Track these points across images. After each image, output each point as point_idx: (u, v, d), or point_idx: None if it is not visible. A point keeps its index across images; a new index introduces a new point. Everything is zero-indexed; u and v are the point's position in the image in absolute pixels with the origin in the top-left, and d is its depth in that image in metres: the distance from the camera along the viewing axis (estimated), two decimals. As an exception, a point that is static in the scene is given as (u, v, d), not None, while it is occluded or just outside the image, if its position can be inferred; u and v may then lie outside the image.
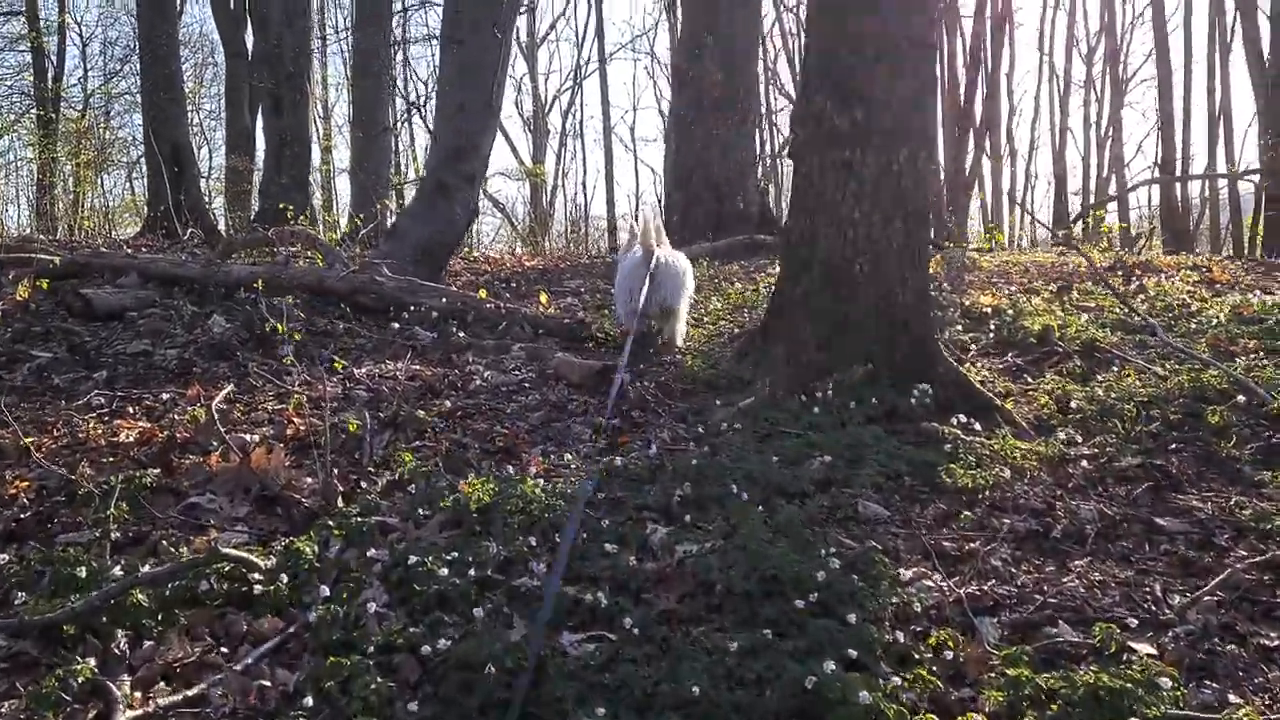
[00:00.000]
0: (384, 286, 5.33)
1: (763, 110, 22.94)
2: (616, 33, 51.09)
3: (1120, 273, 7.12)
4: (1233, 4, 21.63)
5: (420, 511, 3.02)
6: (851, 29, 4.21)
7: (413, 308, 5.20)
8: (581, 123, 57.12)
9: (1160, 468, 3.38)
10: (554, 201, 38.70)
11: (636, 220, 5.39)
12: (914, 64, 4.22)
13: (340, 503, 3.14)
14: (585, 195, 43.55)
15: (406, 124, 35.42)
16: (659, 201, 35.42)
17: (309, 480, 3.31)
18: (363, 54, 21.15)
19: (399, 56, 32.85)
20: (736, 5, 12.42)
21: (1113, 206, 24.99)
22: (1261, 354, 4.53)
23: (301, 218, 9.75)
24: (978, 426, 3.73)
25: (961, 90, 25.91)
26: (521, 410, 4.07)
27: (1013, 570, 2.83)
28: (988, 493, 3.25)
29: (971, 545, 2.95)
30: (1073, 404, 3.98)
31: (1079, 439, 3.64)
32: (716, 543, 2.88)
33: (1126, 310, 5.36)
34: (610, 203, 33.98)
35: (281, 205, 10.15)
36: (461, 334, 5.01)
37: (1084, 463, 3.46)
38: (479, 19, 6.65)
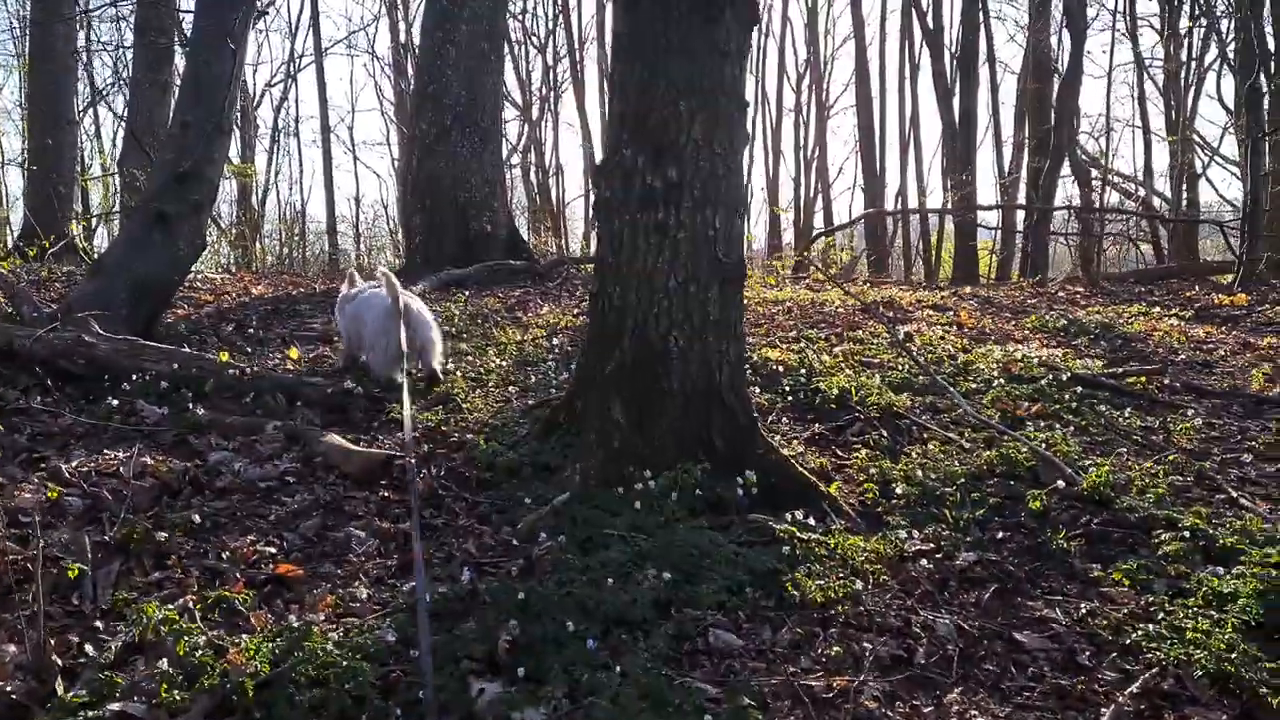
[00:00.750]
0: (96, 349, 4.35)
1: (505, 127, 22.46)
2: (333, 26, 48.57)
3: (882, 314, 7.25)
4: (920, 40, 23.71)
5: (175, 694, 2.31)
6: (665, 79, 3.84)
7: (135, 375, 4.26)
8: (297, 120, 54.02)
9: (998, 565, 3.25)
10: (265, 202, 36.20)
11: (365, 274, 5.64)
12: (730, 118, 3.91)
13: (59, 684, 2.36)
14: (302, 196, 41.15)
15: (93, 112, 31.88)
16: (394, 225, 33.92)
17: (10, 649, 2.48)
18: (42, 32, 18.67)
19: (84, 37, 29.49)
20: (479, 15, 11.85)
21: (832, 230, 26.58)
22: (1045, 419, 4.61)
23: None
24: (810, 520, 3.46)
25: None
26: (290, 517, 3.36)
27: (888, 713, 2.54)
28: (840, 608, 2.97)
29: (839, 681, 2.64)
30: (895, 487, 3.81)
31: (912, 532, 3.45)
32: (561, 706, 2.40)
33: (912, 364, 5.37)
34: (330, 205, 32.14)
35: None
36: (200, 409, 4.16)
37: (923, 561, 3.26)
38: (208, 25, 5.72)
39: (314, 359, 5.65)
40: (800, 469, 3.87)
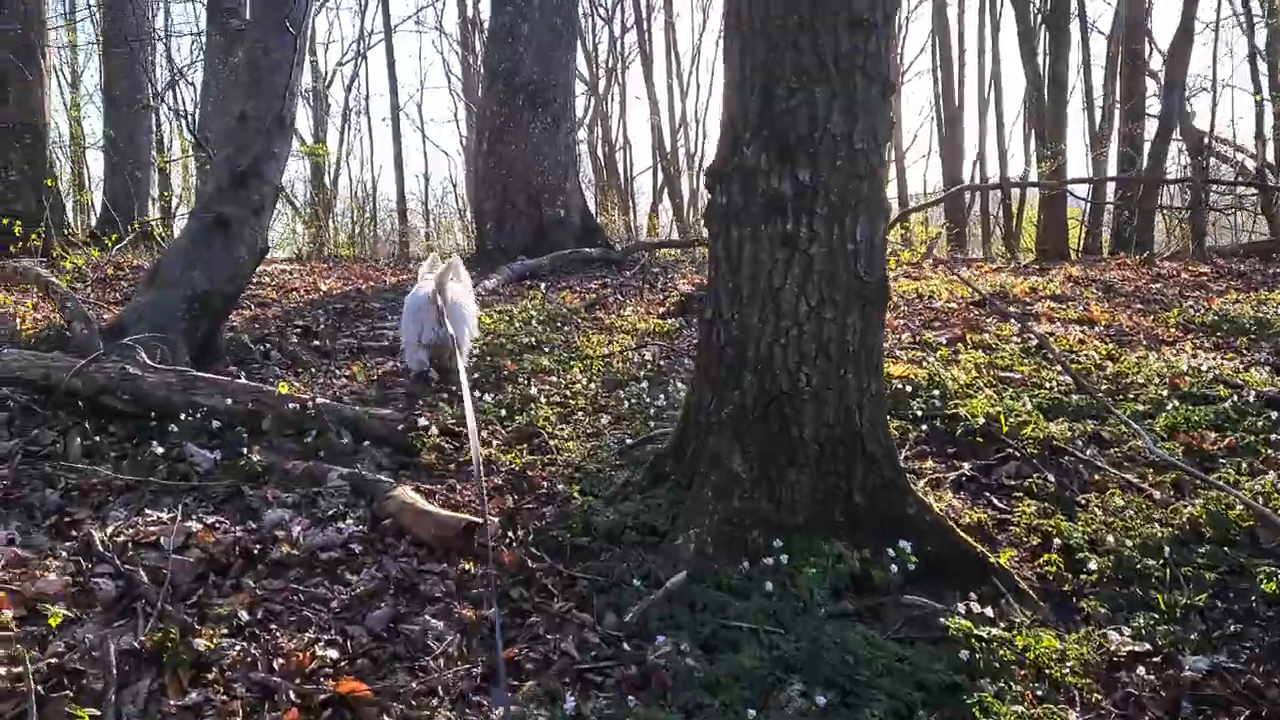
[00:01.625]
0: (142, 383, 3.82)
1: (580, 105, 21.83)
2: (402, 3, 48.16)
3: (1008, 312, 6.46)
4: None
5: None
6: (793, 58, 3.14)
7: (185, 413, 3.73)
8: (367, 99, 54.03)
9: (1242, 678, 2.53)
10: (338, 181, 36.18)
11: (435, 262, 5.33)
12: (873, 105, 3.21)
13: None
14: (372, 174, 41.04)
15: (171, 94, 31.97)
16: (463, 205, 33.66)
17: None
18: (115, 15, 18.47)
19: (160, 19, 29.57)
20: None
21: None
22: (1239, 456, 3.83)
23: (33, 236, 7.78)
24: (986, 610, 2.77)
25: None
26: (356, 603, 2.78)
27: None
28: (1046, 743, 2.29)
29: None
30: (1082, 557, 3.10)
31: (1120, 627, 2.74)
32: None
33: (1059, 377, 4.62)
34: (400, 183, 31.91)
35: (3, 219, 8.09)
36: (256, 451, 3.61)
37: (1140, 669, 2.56)
38: (266, 8, 5.15)
39: (384, 375, 5.09)
40: (961, 533, 3.17)
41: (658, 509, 3.26)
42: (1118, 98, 20.84)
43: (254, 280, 9.14)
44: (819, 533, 3.12)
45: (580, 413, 4.37)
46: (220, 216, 5.09)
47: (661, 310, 7.08)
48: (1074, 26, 21.60)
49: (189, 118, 14.23)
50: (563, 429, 4.15)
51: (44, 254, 9.39)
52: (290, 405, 3.80)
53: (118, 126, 19.25)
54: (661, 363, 5.25)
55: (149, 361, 3.93)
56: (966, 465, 3.87)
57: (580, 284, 9.23)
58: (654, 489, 3.40)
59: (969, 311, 6.88)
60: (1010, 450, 3.94)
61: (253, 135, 5.16)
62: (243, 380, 4.00)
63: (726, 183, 3.29)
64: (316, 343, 5.97)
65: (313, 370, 5.20)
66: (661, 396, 4.54)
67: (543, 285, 8.99)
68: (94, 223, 18.59)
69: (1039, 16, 20.90)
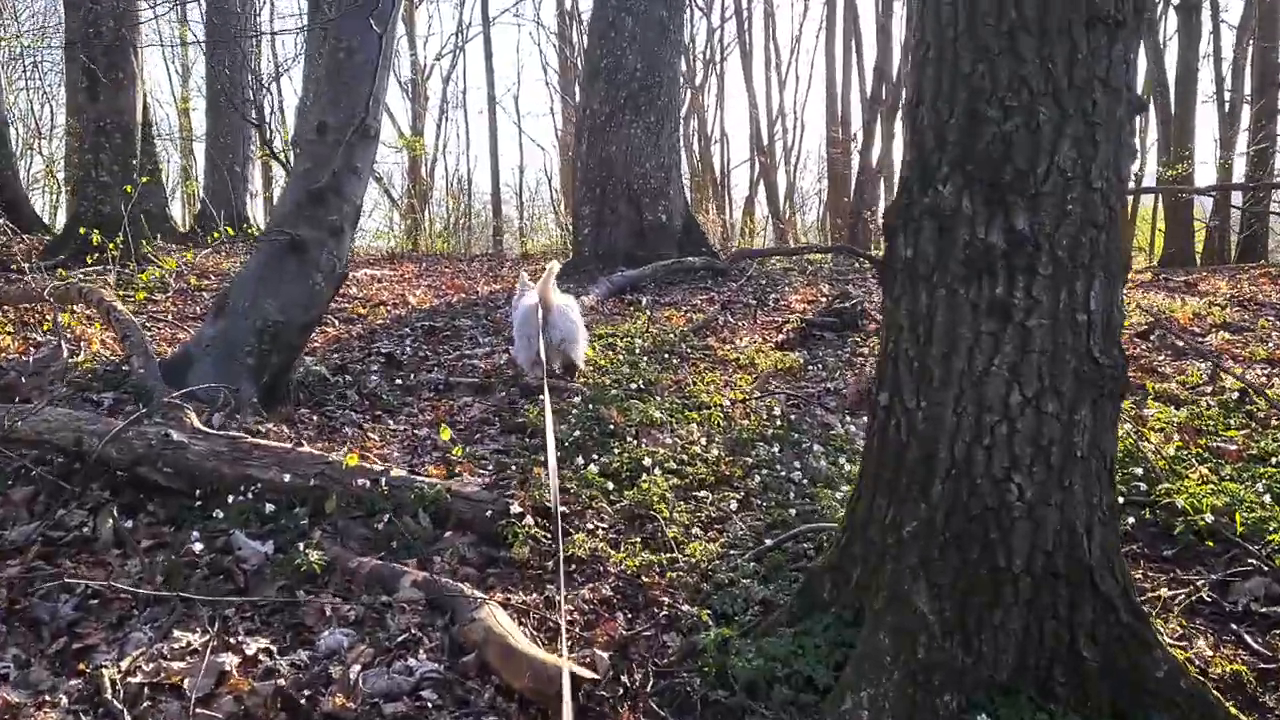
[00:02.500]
0: (187, 452, 3.22)
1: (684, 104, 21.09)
2: (500, -3, 47.89)
3: (1198, 351, 5.51)
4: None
5: None
6: (1014, 68, 2.35)
7: (236, 492, 3.12)
8: (465, 92, 54.29)
9: None
10: (434, 173, 36.18)
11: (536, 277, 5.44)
12: (1117, 130, 2.39)
13: None
14: (468, 166, 40.99)
15: (274, 92, 32.28)
16: (558, 199, 33.36)
17: None
18: (219, 14, 18.35)
19: (264, 15, 29.76)
20: (660, -23, 10.43)
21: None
22: None
23: (111, 245, 7.36)
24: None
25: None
26: (425, 791, 2.10)
27: None
28: None
29: None
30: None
31: None
32: None
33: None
34: (495, 177, 31.72)
35: (83, 230, 7.68)
36: (316, 543, 2.97)
37: None
38: (349, 5, 4.53)
39: (471, 423, 4.43)
40: (1228, 707, 2.35)
41: (815, 651, 2.50)
42: (1246, 95, 19.23)
43: (345, 285, 8.66)
44: (1032, 697, 2.33)
45: (702, 488, 3.63)
46: (295, 239, 4.49)
47: (779, 338, 6.30)
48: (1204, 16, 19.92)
49: (266, 125, 13.86)
50: (682, 511, 3.41)
51: (129, 259, 9.05)
52: (359, 481, 3.15)
53: (217, 121, 19.24)
54: (791, 415, 4.47)
55: (197, 424, 3.33)
56: (1190, 574, 3.02)
57: (685, 299, 8.49)
58: (807, 620, 2.63)
59: (1133, 345, 5.94)
60: (1249, 559, 3.07)
61: (332, 148, 4.55)
62: (305, 449, 3.36)
63: (913, 229, 2.50)
64: (399, 375, 5.35)
65: (393, 415, 4.58)
66: (797, 466, 3.77)
67: (644, 300, 8.28)
68: (194, 218, 18.60)
69: (1167, 4, 19.37)
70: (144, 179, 17.59)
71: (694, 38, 29.39)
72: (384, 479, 3.19)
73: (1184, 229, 17.51)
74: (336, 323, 7.08)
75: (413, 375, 5.38)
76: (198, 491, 3.16)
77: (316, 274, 4.57)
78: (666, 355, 5.84)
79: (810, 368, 5.46)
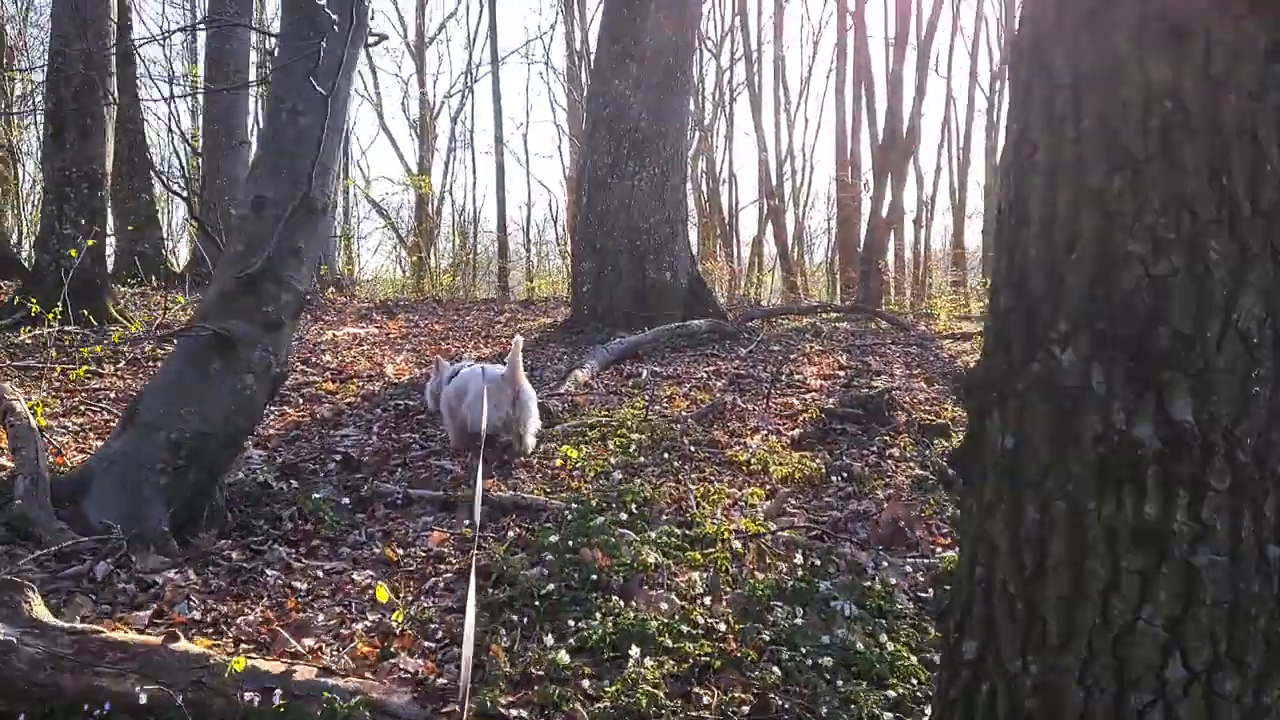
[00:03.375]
0: (16, 658, 2.36)
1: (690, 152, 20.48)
2: (510, 36, 47.66)
3: None
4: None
5: None
6: (1173, 185, 1.58)
7: (75, 717, 2.30)
8: (472, 131, 53.91)
9: None
10: (440, 211, 35.70)
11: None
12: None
13: None
14: (474, 206, 40.56)
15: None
16: (562, 239, 32.70)
17: None
18: (215, 54, 17.78)
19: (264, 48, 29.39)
20: (667, 19, 9.74)
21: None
22: None
23: (50, 315, 6.61)
24: None
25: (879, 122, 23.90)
26: None
27: None
28: None
29: None
30: None
31: None
32: None
33: None
34: (501, 215, 31.24)
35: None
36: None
37: None
38: (293, 65, 3.79)
39: (424, 563, 3.62)
40: None
41: None
42: None
43: (312, 355, 7.89)
44: None
45: (705, 678, 2.81)
46: (221, 335, 3.72)
47: (795, 432, 5.49)
48: None
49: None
50: (679, 713, 2.60)
51: (91, 320, 8.31)
52: (247, 696, 2.35)
53: (212, 164, 18.63)
54: (814, 555, 3.66)
55: (38, 611, 2.51)
56: None
57: (689, 369, 7.70)
58: None
59: None
60: None
61: (269, 226, 3.79)
62: (180, 645, 2.53)
63: (1014, 409, 1.72)
64: (355, 482, 4.56)
65: (333, 545, 3.78)
66: (825, 641, 2.95)
67: (644, 372, 7.49)
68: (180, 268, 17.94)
69: None
70: (132, 226, 16.93)
71: (703, 78, 28.90)
72: (281, 688, 2.38)
73: None
74: (300, 401, 6.30)
75: (370, 481, 4.59)
76: (21, 717, 2.35)
77: (247, 376, 3.79)
78: (666, 454, 5.04)
79: (834, 478, 4.65)
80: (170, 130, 22.59)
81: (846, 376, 7.52)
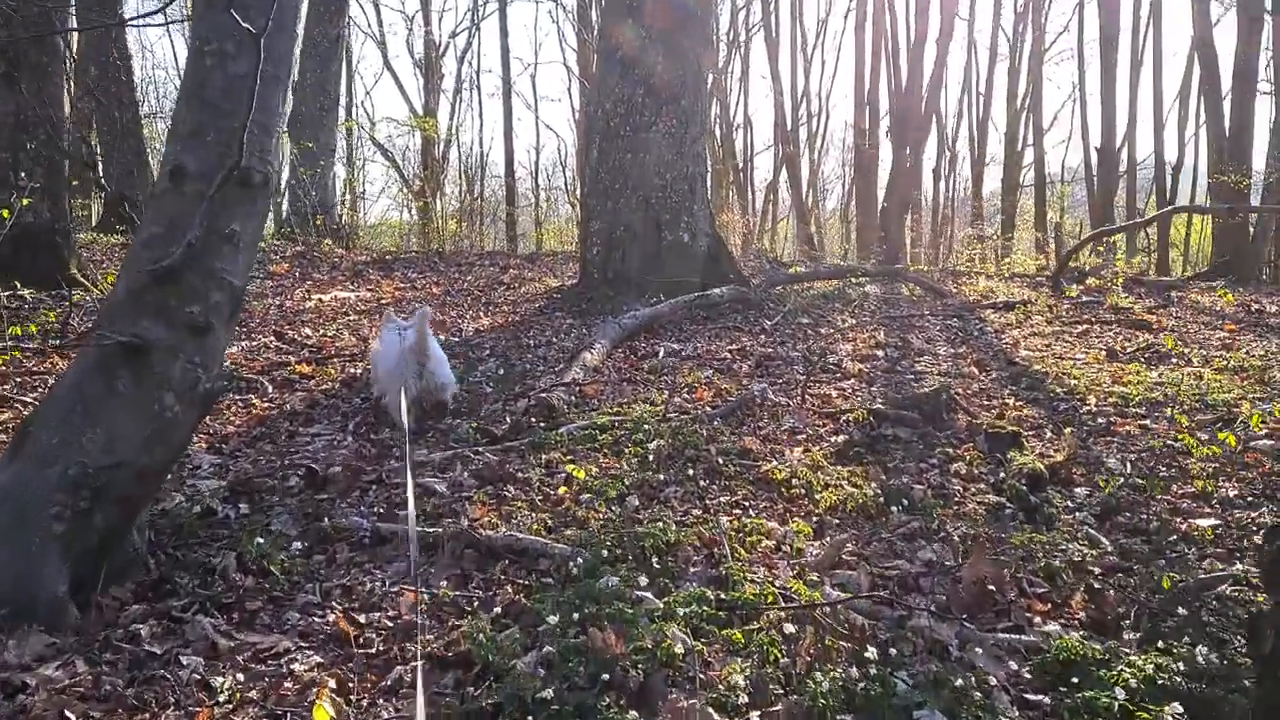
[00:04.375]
0: None
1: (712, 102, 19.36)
2: (519, -27, 45.88)
3: None
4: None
5: None
6: None
7: None
8: (478, 72, 52.38)
9: None
10: (447, 156, 34.62)
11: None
12: None
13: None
14: (481, 150, 39.37)
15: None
16: (571, 185, 31.71)
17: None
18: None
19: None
20: (684, -42, 8.70)
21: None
22: None
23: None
24: None
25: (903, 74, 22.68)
26: None
27: None
28: None
29: None
30: None
31: None
32: None
33: None
34: (509, 160, 30.21)
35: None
36: None
37: None
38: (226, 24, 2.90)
39: (389, 641, 2.82)
40: None
41: None
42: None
43: (290, 328, 7.05)
44: None
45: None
46: (130, 343, 2.89)
47: (839, 439, 4.66)
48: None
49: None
50: None
51: (51, 283, 7.50)
52: None
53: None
54: (883, 634, 2.85)
55: None
56: None
57: (711, 346, 6.85)
58: None
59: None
60: None
61: (192, 204, 2.93)
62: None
63: None
64: (317, 508, 3.76)
65: (278, 607, 2.97)
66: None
67: (660, 352, 6.65)
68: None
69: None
70: (84, 176, 15.84)
71: (718, 18, 27.64)
72: None
73: (1236, 237, 15.61)
74: (269, 390, 5.48)
75: (337, 506, 3.78)
76: None
77: (166, 395, 2.97)
78: (690, 468, 4.21)
79: (892, 507, 3.82)
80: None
81: (887, 358, 6.66)
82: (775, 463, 4.35)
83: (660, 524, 3.55)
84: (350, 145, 33.42)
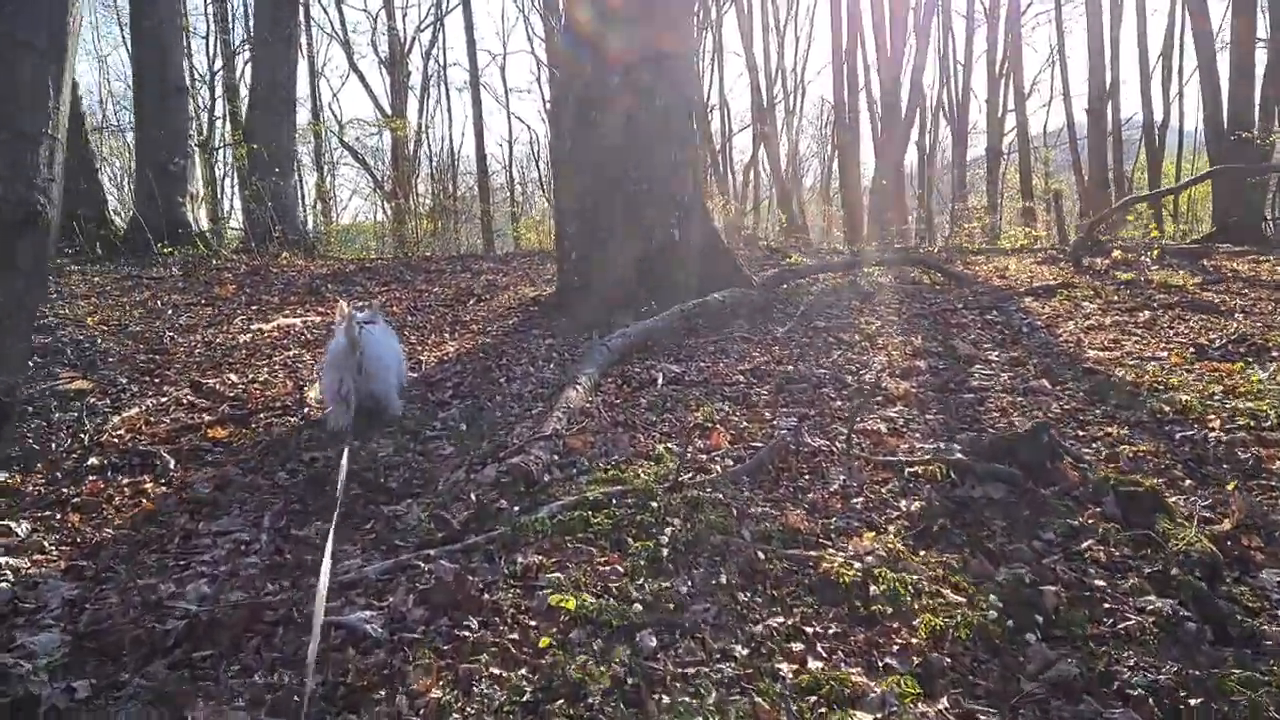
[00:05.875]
0: None
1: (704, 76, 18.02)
2: (481, -37, 44.31)
3: None
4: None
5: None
6: None
7: None
8: (445, 67, 50.85)
9: None
10: (418, 153, 33.29)
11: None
12: None
13: None
14: (452, 148, 38.00)
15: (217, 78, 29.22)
16: (546, 181, 30.41)
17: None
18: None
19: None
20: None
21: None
22: None
23: None
24: None
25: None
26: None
27: None
28: None
29: None
30: None
31: None
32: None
33: None
34: (480, 158, 28.99)
35: None
36: None
37: None
38: None
39: None
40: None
41: None
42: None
43: (214, 371, 5.77)
44: None
45: None
46: None
47: (908, 504, 3.45)
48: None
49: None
50: None
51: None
52: None
53: (146, 110, 16.25)
54: None
55: None
56: None
57: (715, 367, 5.63)
58: None
59: None
60: None
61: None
62: None
63: None
64: (194, 672, 2.53)
65: None
66: None
67: (659, 379, 5.42)
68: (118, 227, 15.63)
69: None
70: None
71: (689, -3, 26.30)
72: None
73: (1241, 196, 14.45)
74: (171, 466, 4.22)
75: (219, 674, 2.55)
76: None
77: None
78: (719, 568, 3.00)
79: (1026, 636, 2.61)
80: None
81: (932, 370, 5.46)
82: (835, 551, 3.13)
83: (692, 691, 2.33)
84: (318, 149, 31.95)
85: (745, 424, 4.56)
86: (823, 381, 5.29)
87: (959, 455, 3.66)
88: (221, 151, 26.75)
